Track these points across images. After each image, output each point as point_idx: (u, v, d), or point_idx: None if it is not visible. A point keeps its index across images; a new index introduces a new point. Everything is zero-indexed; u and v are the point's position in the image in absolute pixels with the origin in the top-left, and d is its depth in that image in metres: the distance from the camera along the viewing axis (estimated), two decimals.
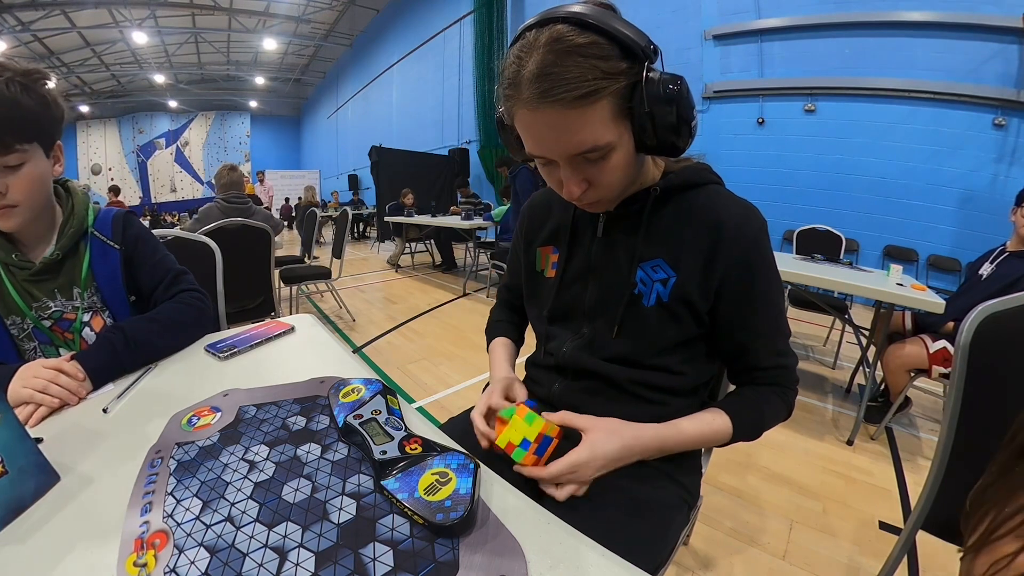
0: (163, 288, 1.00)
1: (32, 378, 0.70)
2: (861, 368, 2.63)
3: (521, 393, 0.76)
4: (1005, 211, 3.49)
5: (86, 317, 0.93)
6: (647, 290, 0.72)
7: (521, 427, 0.63)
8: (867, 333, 2.41)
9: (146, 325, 0.88)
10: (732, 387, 0.81)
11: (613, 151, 0.59)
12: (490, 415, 0.72)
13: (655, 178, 0.73)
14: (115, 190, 10.33)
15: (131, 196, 15.79)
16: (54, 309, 0.90)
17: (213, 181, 3.14)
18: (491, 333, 0.99)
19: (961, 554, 0.39)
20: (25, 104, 0.74)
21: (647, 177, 0.73)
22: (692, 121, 0.59)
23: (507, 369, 0.87)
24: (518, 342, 0.99)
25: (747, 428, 0.72)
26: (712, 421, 0.71)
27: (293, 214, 11.99)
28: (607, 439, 0.63)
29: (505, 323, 1.00)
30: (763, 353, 0.73)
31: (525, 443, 0.62)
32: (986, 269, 2.11)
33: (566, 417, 0.66)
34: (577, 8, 0.54)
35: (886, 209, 4.41)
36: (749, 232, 0.68)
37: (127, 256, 0.97)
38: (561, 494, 0.61)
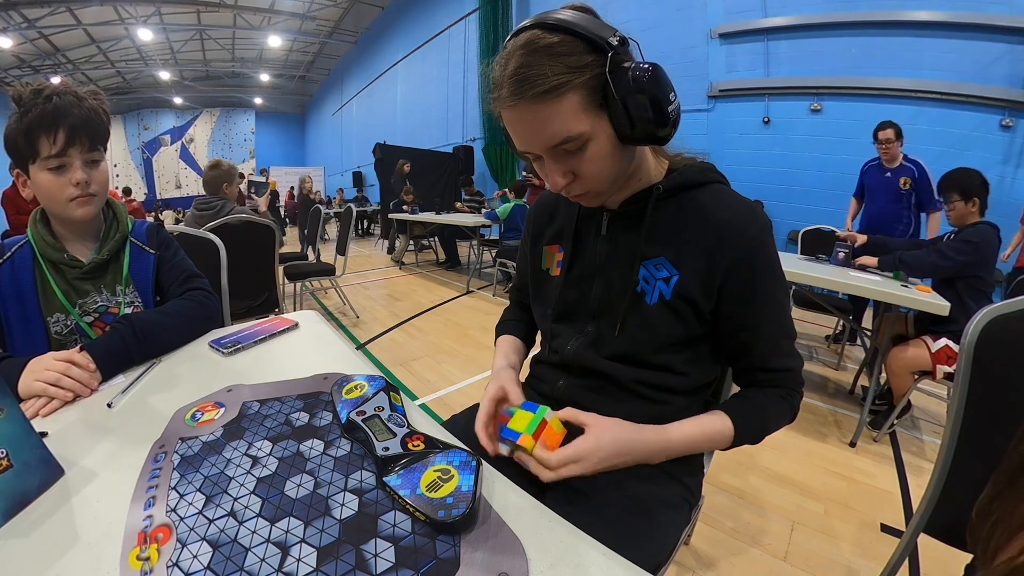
0: (175, 286, 1.06)
1: (44, 371, 0.70)
2: (864, 369, 2.63)
3: (514, 395, 0.73)
4: (1012, 213, 3.47)
5: (127, 311, 0.99)
6: (650, 288, 0.72)
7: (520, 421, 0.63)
8: (866, 331, 2.40)
9: (153, 317, 0.91)
10: (735, 388, 0.80)
11: (590, 142, 0.61)
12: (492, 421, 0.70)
13: (658, 177, 0.73)
14: (127, 191, 10.48)
15: (136, 192, 15.84)
16: (100, 304, 0.98)
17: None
18: (498, 331, 0.99)
19: (968, 563, 0.38)
20: (103, 116, 0.92)
21: (650, 176, 0.73)
22: (669, 106, 0.59)
23: (504, 367, 0.85)
24: (526, 339, 0.98)
25: (750, 432, 0.71)
26: (714, 424, 0.70)
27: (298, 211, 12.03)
28: (611, 434, 0.63)
29: (513, 322, 1.00)
30: (767, 354, 0.72)
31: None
32: None
33: (570, 413, 0.65)
34: (553, 14, 0.59)
35: None
36: (752, 231, 0.68)
37: (159, 261, 1.06)
38: (548, 475, 0.60)
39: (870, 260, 2.34)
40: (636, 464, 0.66)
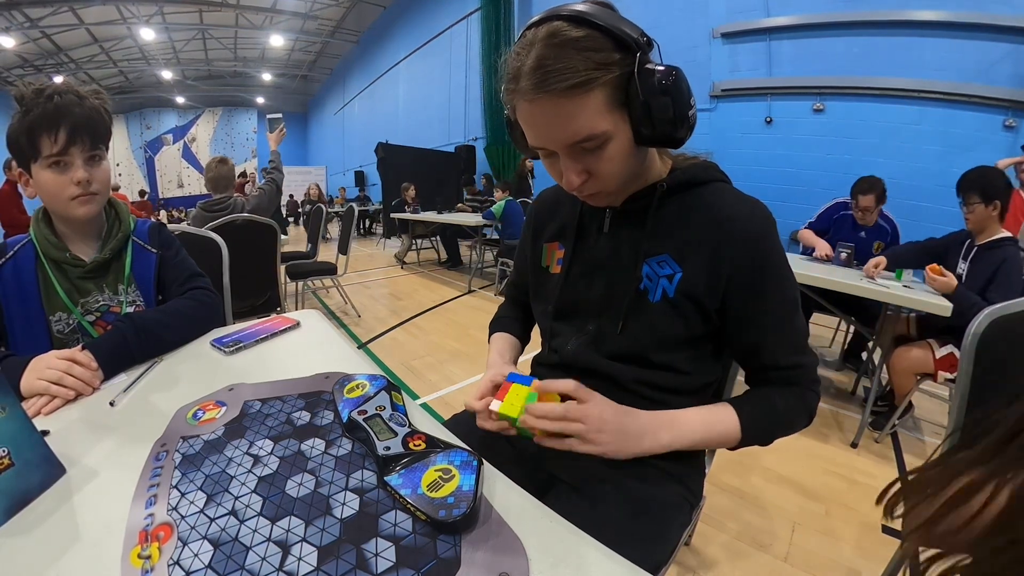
0: (177, 285, 1.06)
1: (46, 369, 0.71)
2: (866, 371, 2.62)
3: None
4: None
5: (129, 310, 0.99)
6: (653, 285, 0.71)
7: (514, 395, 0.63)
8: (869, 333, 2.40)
9: (156, 316, 0.91)
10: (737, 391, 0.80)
11: (610, 141, 0.60)
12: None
13: (662, 175, 0.73)
14: (142, 194, 10.63)
15: (138, 191, 15.90)
16: (102, 303, 0.98)
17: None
18: (492, 328, 0.99)
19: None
20: (104, 115, 0.92)
21: (653, 173, 0.73)
22: (689, 111, 0.60)
23: (500, 364, 0.86)
24: (521, 337, 0.98)
25: (758, 428, 0.69)
26: (721, 414, 0.69)
27: (300, 210, 12.05)
28: (611, 406, 0.63)
29: (508, 319, 1.00)
30: (777, 351, 0.70)
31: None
32: (962, 268, 2.09)
33: (569, 385, 0.63)
34: (574, 6, 0.57)
35: (894, 210, 4.34)
36: (755, 228, 0.67)
37: (161, 260, 1.06)
38: (543, 423, 0.59)
39: (948, 283, 1.85)
40: (641, 451, 0.64)
